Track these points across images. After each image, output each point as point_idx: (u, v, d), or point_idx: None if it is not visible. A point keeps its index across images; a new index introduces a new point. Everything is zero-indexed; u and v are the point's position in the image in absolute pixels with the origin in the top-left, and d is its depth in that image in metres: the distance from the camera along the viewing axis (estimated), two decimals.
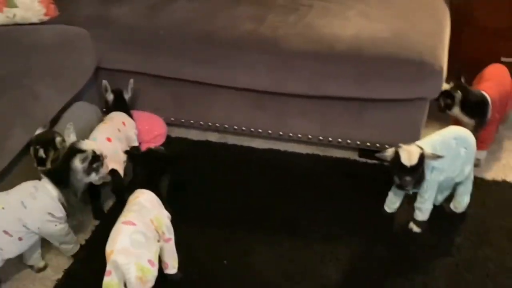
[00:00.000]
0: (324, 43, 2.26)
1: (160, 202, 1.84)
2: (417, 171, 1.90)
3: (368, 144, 2.47)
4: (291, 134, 2.56)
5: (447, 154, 1.94)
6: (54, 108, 2.16)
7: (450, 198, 2.21)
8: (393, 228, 2.16)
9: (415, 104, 2.30)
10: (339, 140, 2.50)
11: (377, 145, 2.45)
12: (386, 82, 2.22)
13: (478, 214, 2.20)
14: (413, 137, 2.32)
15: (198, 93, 2.59)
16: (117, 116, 2.30)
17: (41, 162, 2.00)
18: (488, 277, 1.93)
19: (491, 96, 2.32)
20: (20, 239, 1.76)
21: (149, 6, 2.62)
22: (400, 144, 1.93)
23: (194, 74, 2.48)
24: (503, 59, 2.65)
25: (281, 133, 2.57)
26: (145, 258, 1.62)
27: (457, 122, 2.48)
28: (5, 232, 1.72)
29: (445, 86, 2.26)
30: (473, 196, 2.17)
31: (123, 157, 2.17)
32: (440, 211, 2.17)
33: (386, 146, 2.40)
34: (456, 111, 2.30)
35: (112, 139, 2.16)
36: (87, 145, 1.89)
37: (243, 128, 2.61)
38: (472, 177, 2.12)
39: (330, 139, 2.51)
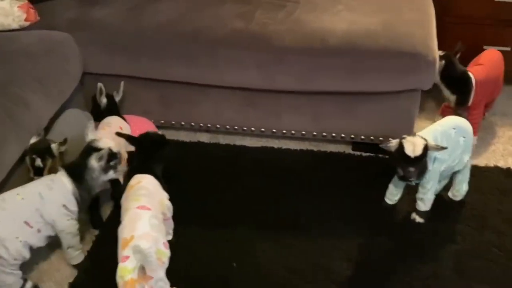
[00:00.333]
0: (316, 38, 2.26)
1: (159, 184, 1.86)
2: (421, 162, 1.92)
3: (362, 137, 2.48)
4: (284, 131, 2.54)
5: (448, 144, 1.96)
6: (45, 116, 2.09)
7: (447, 186, 2.23)
8: (396, 219, 2.17)
9: (408, 95, 2.32)
10: (333, 134, 2.50)
11: (371, 137, 2.47)
12: (380, 74, 2.23)
13: (475, 200, 2.23)
14: (407, 128, 2.37)
15: (187, 94, 2.55)
16: (114, 121, 2.24)
17: (38, 171, 1.94)
18: (493, 262, 1.96)
19: (477, 78, 2.38)
20: (39, 230, 1.79)
21: (131, 7, 2.56)
22: (404, 136, 1.93)
23: (181, 75, 2.44)
24: (485, 47, 2.70)
25: (274, 130, 2.55)
26: (161, 241, 1.65)
27: (446, 111, 2.53)
28: (26, 223, 1.75)
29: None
30: (469, 183, 2.20)
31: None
32: (439, 199, 2.19)
33: (381, 138, 2.43)
34: (436, 79, 2.34)
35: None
36: (104, 143, 1.89)
37: (235, 127, 2.59)
38: (469, 165, 2.15)
39: (324, 134, 2.51)
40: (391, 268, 1.96)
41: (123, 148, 2.11)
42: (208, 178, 2.41)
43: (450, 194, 2.23)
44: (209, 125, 2.61)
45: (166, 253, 1.67)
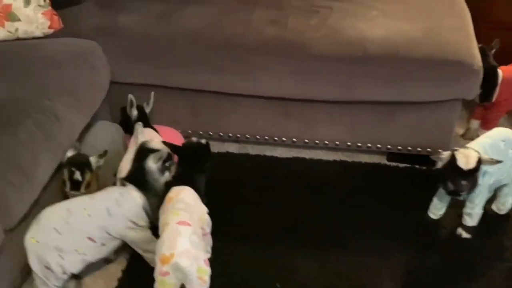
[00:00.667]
0: (354, 45, 2.17)
1: (199, 197, 1.78)
2: (473, 176, 1.83)
3: (399, 147, 2.39)
4: (317, 141, 2.46)
5: (498, 157, 1.88)
6: (76, 129, 2.00)
7: (491, 199, 2.14)
8: (441, 235, 2.09)
9: (449, 105, 2.24)
10: (369, 145, 2.42)
11: (409, 148, 2.39)
12: (422, 84, 2.15)
13: None
14: (445, 138, 2.30)
15: (217, 103, 2.46)
16: (148, 134, 2.14)
17: (76, 185, 1.87)
18: None
19: (505, 76, 2.32)
20: (103, 244, 1.75)
21: (157, 14, 2.47)
22: (456, 148, 1.85)
23: (212, 84, 2.35)
24: None
25: (306, 140, 2.47)
26: (202, 258, 1.59)
27: (481, 114, 2.44)
28: (89, 238, 1.71)
29: None
30: None
31: None
32: (483, 213, 2.10)
33: (418, 149, 2.36)
34: None
35: None
36: (157, 144, 1.85)
37: (266, 137, 2.50)
38: None
39: (359, 144, 2.42)
40: None
41: None
42: (239, 190, 2.32)
43: (494, 207, 2.15)
44: (238, 135, 2.52)
45: (207, 270, 1.61)
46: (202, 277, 1.58)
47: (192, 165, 1.87)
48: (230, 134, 2.53)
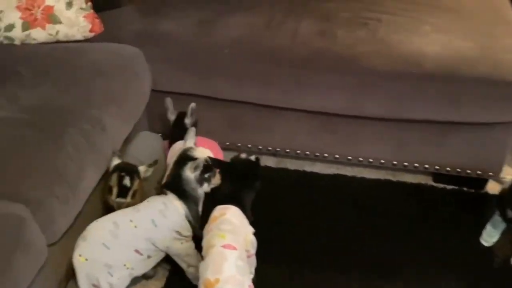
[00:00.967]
0: (409, 62, 2.08)
1: (245, 217, 1.70)
2: None
3: (448, 169, 2.30)
4: (361, 159, 2.36)
5: None
6: (120, 139, 1.93)
7: None
8: (494, 264, 1.99)
9: (504, 126, 2.14)
10: (416, 164, 2.32)
11: (458, 169, 2.29)
12: (479, 104, 2.06)
13: None
14: (498, 162, 2.21)
15: (258, 116, 2.37)
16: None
17: (123, 192, 1.80)
18: None
19: None
20: (149, 257, 1.71)
21: (200, 21, 2.38)
22: None
23: (257, 96, 2.27)
24: None
25: (349, 157, 2.37)
26: (246, 284, 1.52)
27: None
28: (137, 251, 1.67)
29: None
30: None
31: None
32: None
33: (468, 171, 2.26)
34: None
35: None
36: (200, 152, 1.80)
37: (307, 152, 2.41)
38: None
39: (406, 163, 2.32)
40: None
41: None
42: (277, 207, 2.23)
43: None
44: (277, 149, 2.43)
45: None
46: None
47: (240, 182, 1.79)
48: (269, 148, 2.44)
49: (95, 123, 1.79)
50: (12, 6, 2.14)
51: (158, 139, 2.19)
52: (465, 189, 2.33)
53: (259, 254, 1.81)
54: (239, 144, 2.47)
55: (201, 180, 1.79)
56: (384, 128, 2.25)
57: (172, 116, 2.21)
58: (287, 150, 2.43)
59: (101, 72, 1.98)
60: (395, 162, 2.34)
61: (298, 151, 2.42)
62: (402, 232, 2.11)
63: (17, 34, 2.19)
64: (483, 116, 2.09)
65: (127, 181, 1.79)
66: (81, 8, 2.24)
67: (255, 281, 1.74)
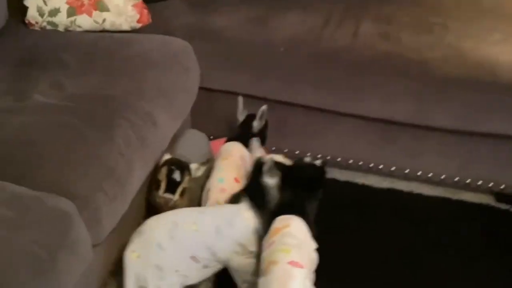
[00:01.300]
0: (484, 71, 1.92)
1: (308, 230, 1.53)
2: None
3: None
4: (419, 173, 2.18)
5: None
6: (169, 135, 1.78)
7: None
8: None
9: None
10: (479, 182, 2.13)
11: None
12: None
13: None
14: None
15: (310, 120, 2.21)
16: (235, 149, 1.91)
17: (172, 186, 1.67)
18: None
19: None
20: (205, 267, 1.54)
21: (253, 17, 2.25)
22: None
23: (312, 100, 2.11)
24: None
25: (407, 171, 2.19)
26: None
27: None
28: (193, 257, 1.51)
29: None
30: None
31: None
32: None
33: None
34: None
35: (240, 179, 1.78)
36: (276, 159, 1.67)
37: (360, 163, 2.24)
38: None
39: (468, 181, 2.14)
40: None
41: None
42: (331, 220, 2.04)
43: None
44: (328, 157, 2.26)
45: None
46: None
47: (304, 190, 1.62)
48: (320, 155, 2.27)
49: (146, 117, 1.64)
50: None
51: (205, 138, 2.04)
52: None
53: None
54: (286, 150, 2.29)
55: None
56: (450, 141, 2.08)
57: (241, 117, 2.06)
58: (338, 159, 2.26)
59: (151, 63, 1.84)
60: (456, 179, 2.16)
61: (351, 161, 2.26)
62: (461, 256, 1.92)
63: (62, 19, 2.06)
64: None
65: (177, 175, 1.65)
66: None
67: None
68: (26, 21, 2.08)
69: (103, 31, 2.12)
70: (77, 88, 1.69)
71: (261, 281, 1.41)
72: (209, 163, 1.78)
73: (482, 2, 2.33)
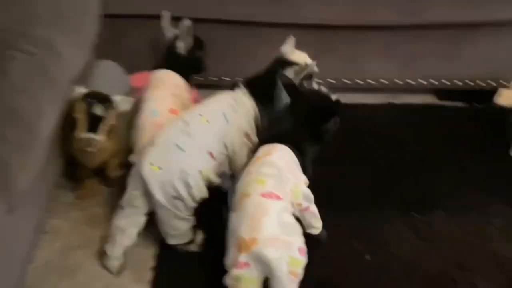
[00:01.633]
0: None
1: (297, 161, 1.33)
2: None
3: (458, 82, 2.02)
4: (360, 81, 2.02)
5: None
6: (78, 66, 1.45)
7: None
8: None
9: None
10: (423, 82, 2.01)
11: (468, 82, 2.02)
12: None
13: None
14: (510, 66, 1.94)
15: (236, 36, 1.92)
16: (168, 76, 1.62)
17: (94, 124, 1.37)
18: None
19: None
20: (220, 164, 1.41)
21: None
22: None
23: (238, 12, 1.83)
24: None
25: (348, 81, 2.01)
26: (295, 246, 1.19)
27: None
28: (210, 153, 1.37)
29: None
30: None
31: None
32: None
33: (478, 81, 1.99)
34: None
35: (178, 110, 1.52)
36: (299, 56, 1.50)
37: None
38: None
39: (409, 81, 2.01)
40: None
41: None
42: None
43: None
44: None
45: (302, 261, 1.19)
46: (294, 271, 1.17)
47: (307, 123, 1.38)
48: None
49: (45, 45, 1.30)
50: None
51: (122, 69, 1.72)
52: (476, 104, 2.05)
53: None
54: (215, 78, 2.03)
55: None
56: (390, 39, 1.91)
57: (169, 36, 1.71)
58: None
59: None
60: (398, 81, 2.02)
61: None
62: (430, 160, 1.80)
63: None
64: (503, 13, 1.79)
65: (98, 110, 1.36)
66: None
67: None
68: None
69: None
70: None
71: (233, 217, 1.23)
72: (134, 95, 1.47)
73: None
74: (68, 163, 1.51)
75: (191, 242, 1.42)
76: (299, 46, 1.82)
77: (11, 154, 1.09)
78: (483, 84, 2.02)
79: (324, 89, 1.47)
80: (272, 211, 1.18)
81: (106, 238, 1.41)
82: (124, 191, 1.38)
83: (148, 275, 1.40)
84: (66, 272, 1.39)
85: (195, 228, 1.42)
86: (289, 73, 1.49)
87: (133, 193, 1.34)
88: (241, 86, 1.48)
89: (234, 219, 1.21)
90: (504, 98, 2.01)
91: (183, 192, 1.32)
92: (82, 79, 1.50)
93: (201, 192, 1.37)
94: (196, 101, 1.69)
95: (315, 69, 1.52)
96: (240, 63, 1.94)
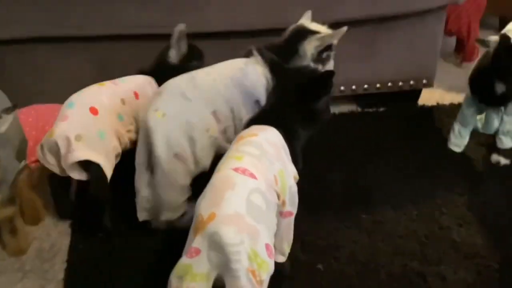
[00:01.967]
0: None
1: (286, 147, 1.13)
2: None
3: (378, 85, 1.94)
4: None
5: None
6: None
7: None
8: (476, 168, 1.64)
9: (434, 17, 1.83)
10: (342, 88, 1.91)
11: (389, 84, 1.95)
12: None
13: None
14: (430, 64, 1.91)
15: None
16: (132, 81, 1.46)
17: None
18: None
19: None
20: (224, 132, 1.33)
21: None
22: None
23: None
24: None
25: None
26: (263, 240, 0.95)
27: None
28: (214, 113, 1.30)
29: None
30: None
31: (116, 146, 1.34)
32: None
33: (400, 83, 1.93)
34: None
35: (100, 111, 1.32)
36: (317, 27, 1.44)
37: None
38: None
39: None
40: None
41: (115, 130, 1.36)
42: None
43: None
44: None
45: (267, 264, 0.94)
46: (256, 272, 0.91)
47: (296, 102, 1.18)
48: None
49: None
50: None
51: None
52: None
53: None
54: None
55: (316, 60, 1.40)
56: None
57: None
58: None
59: None
60: None
61: None
62: (365, 161, 1.67)
63: None
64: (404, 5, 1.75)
65: None
66: None
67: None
68: None
69: None
70: None
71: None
72: (16, 109, 1.21)
73: None
74: None
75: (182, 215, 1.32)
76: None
77: None
78: (406, 85, 1.94)
79: (312, 64, 1.39)
80: (240, 186, 0.96)
81: None
82: None
83: None
84: None
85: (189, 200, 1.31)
86: (311, 42, 1.39)
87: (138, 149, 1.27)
88: (256, 53, 1.34)
89: (198, 200, 0.98)
90: (427, 99, 2.00)
91: (187, 149, 1.24)
92: None
93: (205, 155, 1.28)
94: None
95: (335, 40, 1.43)
96: None
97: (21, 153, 1.31)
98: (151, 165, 1.27)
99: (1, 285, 1.26)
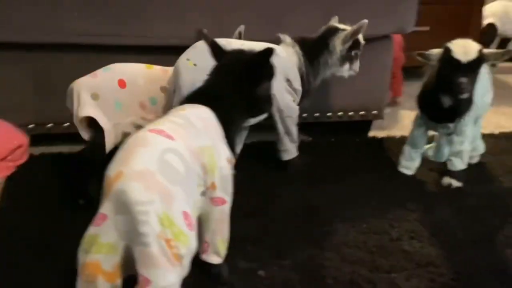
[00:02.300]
0: None
1: (219, 129, 1.05)
2: (474, 73, 1.40)
3: (329, 114, 1.92)
4: None
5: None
6: None
7: None
8: (428, 191, 1.59)
9: (381, 44, 1.85)
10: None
11: (339, 114, 1.94)
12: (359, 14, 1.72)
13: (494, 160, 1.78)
14: (380, 96, 1.90)
15: None
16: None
17: None
18: None
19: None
20: None
21: None
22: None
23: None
24: None
25: None
26: (180, 206, 0.85)
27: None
28: None
29: None
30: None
31: (127, 124, 1.36)
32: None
33: (350, 113, 1.92)
34: None
35: (128, 87, 1.37)
36: (348, 28, 1.56)
37: None
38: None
39: None
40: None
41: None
42: None
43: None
44: None
45: (188, 236, 0.84)
46: (171, 242, 0.80)
47: (236, 86, 1.11)
48: None
49: None
50: None
51: None
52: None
53: None
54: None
55: (344, 58, 1.57)
56: None
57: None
58: None
59: None
60: None
61: None
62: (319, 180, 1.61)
63: None
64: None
65: None
66: None
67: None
68: None
69: None
70: None
71: None
72: None
73: None
74: None
75: None
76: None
77: None
78: (357, 115, 1.93)
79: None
80: (153, 144, 0.87)
81: None
82: None
83: None
84: None
85: None
86: (340, 37, 1.55)
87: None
88: (287, 40, 1.53)
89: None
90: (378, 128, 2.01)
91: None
92: None
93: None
94: None
95: (361, 35, 1.56)
96: None
97: None
98: None
99: None
